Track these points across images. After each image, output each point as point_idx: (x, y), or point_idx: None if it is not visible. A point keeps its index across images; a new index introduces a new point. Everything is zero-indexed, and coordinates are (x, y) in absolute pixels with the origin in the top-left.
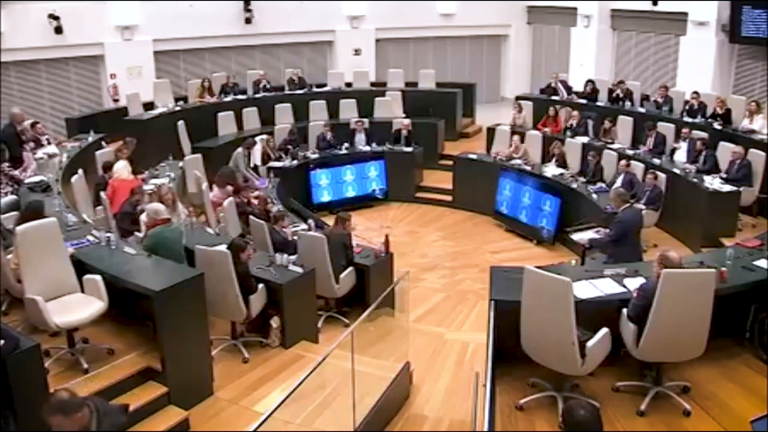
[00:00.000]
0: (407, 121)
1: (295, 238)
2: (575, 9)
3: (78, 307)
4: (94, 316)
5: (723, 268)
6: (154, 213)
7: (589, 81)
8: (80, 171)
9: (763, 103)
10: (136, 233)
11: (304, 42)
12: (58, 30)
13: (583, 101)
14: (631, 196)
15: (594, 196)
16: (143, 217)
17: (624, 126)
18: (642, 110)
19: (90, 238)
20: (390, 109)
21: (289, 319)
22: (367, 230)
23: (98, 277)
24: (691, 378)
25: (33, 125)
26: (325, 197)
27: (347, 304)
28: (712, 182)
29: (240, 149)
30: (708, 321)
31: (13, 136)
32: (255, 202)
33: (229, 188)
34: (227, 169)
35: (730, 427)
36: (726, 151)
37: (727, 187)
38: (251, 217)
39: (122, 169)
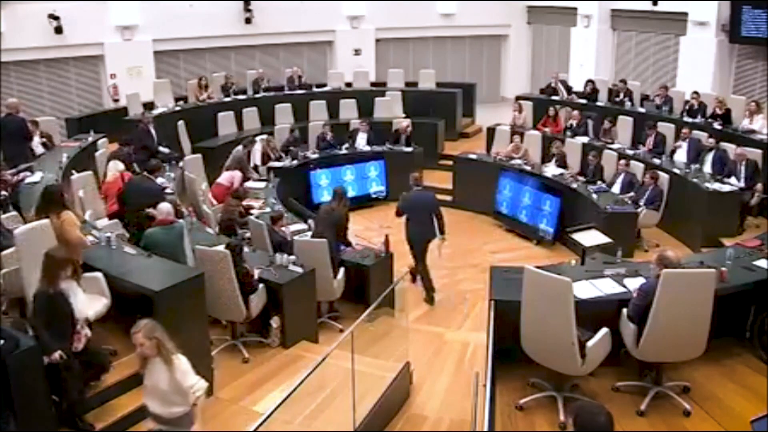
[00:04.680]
0: (407, 121)
1: (296, 238)
2: (575, 9)
3: (83, 305)
4: (100, 314)
5: (723, 268)
6: (158, 212)
7: (589, 81)
8: (86, 171)
9: (763, 103)
10: None
11: (304, 42)
12: (58, 30)
13: (583, 101)
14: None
15: (594, 196)
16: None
17: (624, 126)
18: (642, 110)
19: (90, 237)
20: (390, 109)
21: (289, 319)
22: (366, 230)
23: (99, 274)
24: (691, 378)
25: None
26: (326, 197)
27: (345, 301)
28: (722, 185)
29: (240, 147)
30: (708, 321)
31: (26, 128)
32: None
33: (237, 174)
34: (239, 153)
35: (730, 427)
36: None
37: (727, 188)
38: (250, 218)
39: (112, 168)
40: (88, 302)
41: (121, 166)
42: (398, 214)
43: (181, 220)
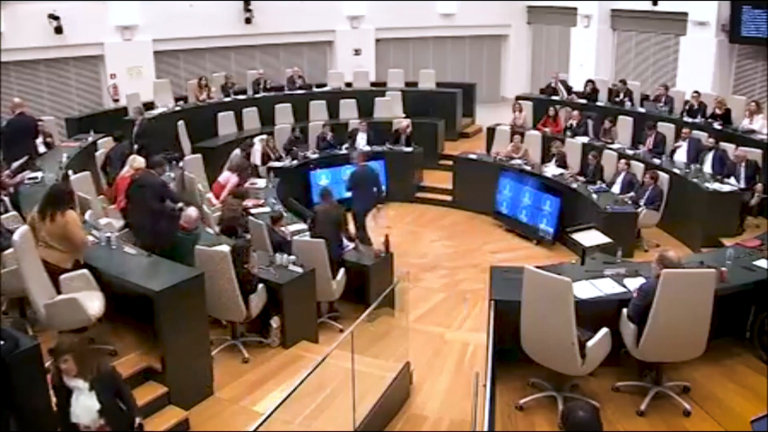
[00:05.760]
0: (407, 121)
1: (296, 238)
2: (575, 9)
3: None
4: (102, 309)
5: (723, 268)
6: (182, 216)
7: (589, 81)
8: (85, 172)
9: (763, 103)
10: None
11: (304, 42)
12: (58, 30)
13: (583, 101)
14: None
15: (594, 196)
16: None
17: (624, 126)
18: (642, 110)
19: (90, 237)
20: (390, 109)
21: (289, 319)
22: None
23: (85, 271)
24: (691, 378)
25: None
26: None
27: (345, 301)
28: (722, 185)
29: (237, 151)
30: (708, 321)
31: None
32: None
33: (232, 178)
34: (238, 158)
35: (730, 427)
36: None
37: (727, 188)
38: (250, 218)
39: (129, 163)
40: (90, 411)
41: (138, 162)
42: (348, 190)
43: (198, 230)
